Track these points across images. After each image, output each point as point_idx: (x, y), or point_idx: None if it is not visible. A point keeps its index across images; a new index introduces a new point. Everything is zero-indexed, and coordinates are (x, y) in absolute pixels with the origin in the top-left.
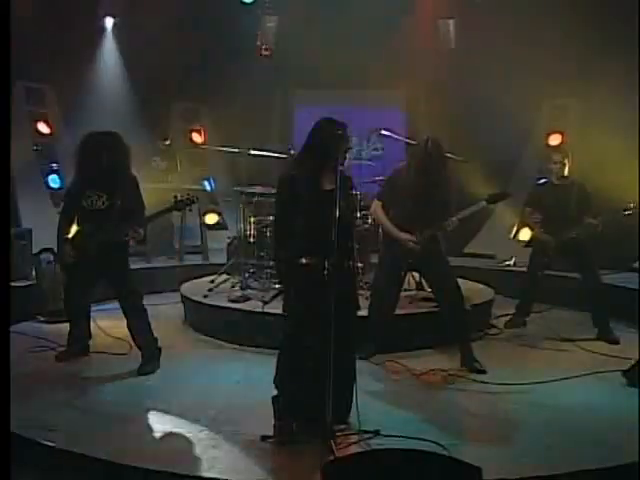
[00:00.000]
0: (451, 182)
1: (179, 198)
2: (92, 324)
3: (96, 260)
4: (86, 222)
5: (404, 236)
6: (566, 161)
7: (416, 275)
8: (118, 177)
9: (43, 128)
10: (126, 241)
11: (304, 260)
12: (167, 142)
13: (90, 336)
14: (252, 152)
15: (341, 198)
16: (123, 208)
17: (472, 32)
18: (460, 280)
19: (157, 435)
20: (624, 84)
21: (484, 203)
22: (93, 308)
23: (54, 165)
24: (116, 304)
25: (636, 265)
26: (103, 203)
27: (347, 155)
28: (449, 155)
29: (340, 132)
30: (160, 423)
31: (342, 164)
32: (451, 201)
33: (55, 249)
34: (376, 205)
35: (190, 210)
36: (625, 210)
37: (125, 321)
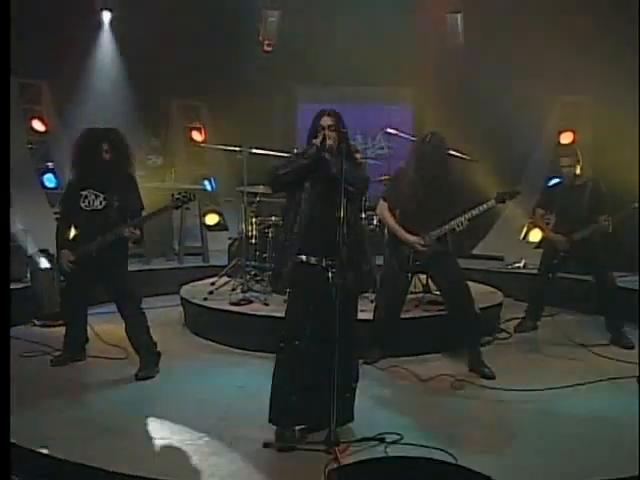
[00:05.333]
0: (456, 180)
1: (176, 196)
2: (89, 329)
3: (95, 261)
4: (84, 223)
5: (411, 238)
6: (576, 163)
7: (423, 277)
8: (116, 176)
9: (38, 125)
10: (125, 242)
11: (303, 257)
12: (162, 137)
13: (87, 340)
14: (254, 151)
15: (339, 185)
16: (121, 208)
17: (482, 28)
18: (468, 283)
19: (156, 442)
20: (637, 81)
21: (493, 202)
22: (90, 311)
23: (49, 164)
24: (113, 307)
25: None
26: (101, 203)
27: (345, 142)
28: (457, 154)
29: (321, 115)
30: (159, 430)
31: (340, 149)
32: (457, 200)
33: (50, 250)
34: (382, 206)
35: (188, 208)
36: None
37: (122, 325)
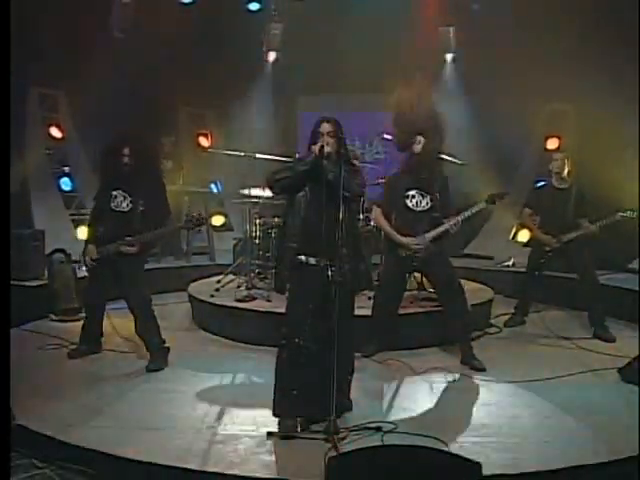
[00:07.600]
0: (446, 183)
1: (189, 217)
2: (105, 322)
3: (114, 261)
4: (110, 223)
5: (406, 240)
6: (566, 160)
7: (418, 275)
8: (141, 180)
9: (55, 132)
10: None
11: (302, 258)
12: (172, 138)
13: (102, 334)
14: (258, 156)
15: (335, 188)
16: (145, 212)
17: (472, 38)
18: (461, 280)
19: (165, 430)
20: (622, 89)
21: (484, 204)
22: (107, 307)
23: (66, 168)
24: (124, 303)
25: (631, 266)
26: (127, 205)
27: (343, 146)
28: (447, 157)
29: (320, 122)
30: (168, 419)
31: (339, 154)
32: (450, 202)
33: (67, 250)
34: (377, 212)
35: (199, 231)
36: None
37: (133, 320)
